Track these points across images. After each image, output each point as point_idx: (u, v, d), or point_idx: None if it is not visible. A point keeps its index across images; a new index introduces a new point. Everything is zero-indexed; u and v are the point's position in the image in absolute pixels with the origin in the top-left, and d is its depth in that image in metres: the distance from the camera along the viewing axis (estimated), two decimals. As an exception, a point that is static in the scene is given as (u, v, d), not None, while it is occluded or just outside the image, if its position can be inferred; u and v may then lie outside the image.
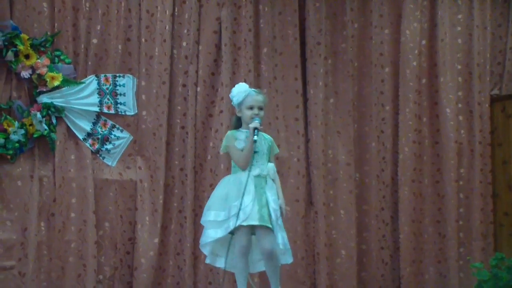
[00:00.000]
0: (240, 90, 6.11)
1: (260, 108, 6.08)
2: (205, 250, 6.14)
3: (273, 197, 6.01)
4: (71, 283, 7.06)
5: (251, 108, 6.06)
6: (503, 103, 8.18)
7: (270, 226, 5.89)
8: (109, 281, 7.26)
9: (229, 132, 6.13)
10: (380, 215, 7.95)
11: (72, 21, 7.32)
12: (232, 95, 6.13)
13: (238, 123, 6.15)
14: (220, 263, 6.11)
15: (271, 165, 6.09)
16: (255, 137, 5.92)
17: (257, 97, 6.10)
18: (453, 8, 8.24)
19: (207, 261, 6.22)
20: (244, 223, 5.85)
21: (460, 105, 8.16)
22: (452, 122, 8.08)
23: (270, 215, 5.94)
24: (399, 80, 8.09)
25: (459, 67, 8.21)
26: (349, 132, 7.92)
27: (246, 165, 6.00)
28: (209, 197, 7.21)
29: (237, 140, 6.05)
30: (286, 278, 7.24)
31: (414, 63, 8.10)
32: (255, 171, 6.00)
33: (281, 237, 5.94)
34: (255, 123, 5.96)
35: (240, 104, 6.09)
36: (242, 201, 5.88)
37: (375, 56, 8.08)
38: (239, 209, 5.86)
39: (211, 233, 6.00)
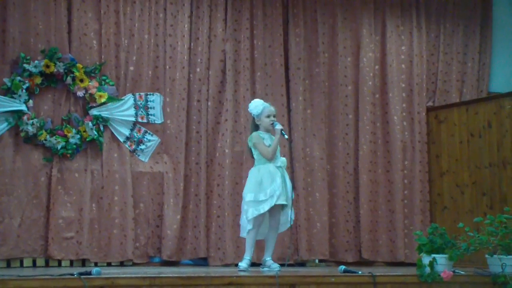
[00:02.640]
0: (258, 104, 6.24)
1: (274, 116, 6.25)
2: (250, 225, 6.11)
3: (289, 183, 6.19)
4: (115, 249, 7.08)
5: (268, 116, 6.22)
6: (435, 112, 8.18)
7: (289, 205, 6.12)
8: (144, 247, 7.25)
9: (255, 133, 6.22)
10: (346, 196, 7.93)
11: (115, 53, 7.34)
12: (251, 108, 6.25)
13: (255, 128, 6.28)
14: (245, 233, 6.19)
15: (284, 159, 6.26)
16: (286, 135, 6.18)
17: (271, 108, 6.26)
18: (398, 41, 8.25)
19: (242, 235, 6.29)
20: (278, 202, 6.02)
21: (404, 114, 8.15)
22: (398, 127, 8.09)
23: (289, 196, 6.14)
24: (358, 95, 8.07)
25: (403, 85, 8.20)
26: (322, 135, 7.90)
27: (273, 158, 6.14)
28: (218, 184, 7.43)
29: (264, 139, 6.18)
30: (276, 244, 6.90)
31: (370, 83, 8.10)
32: (277, 162, 6.17)
33: (292, 213, 6.19)
34: (280, 125, 6.17)
35: (259, 114, 6.22)
36: (274, 186, 6.03)
37: (341, 78, 8.04)
38: (274, 192, 6.01)
39: (259, 209, 6.03)
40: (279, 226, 6.25)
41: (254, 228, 6.10)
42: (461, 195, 7.80)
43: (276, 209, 6.12)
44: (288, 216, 6.22)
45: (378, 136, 8.12)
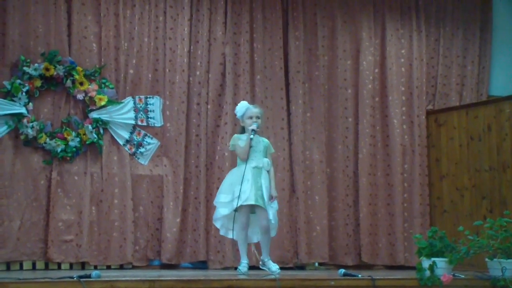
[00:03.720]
0: (242, 106, 6.29)
1: (258, 117, 6.23)
2: (217, 224, 6.32)
3: (266, 184, 6.12)
4: (115, 252, 7.06)
5: (250, 118, 6.23)
6: (435, 115, 8.19)
7: (263, 205, 6.04)
8: (143, 250, 7.24)
9: (235, 135, 6.32)
10: (345, 200, 7.91)
11: (114, 56, 7.32)
12: (236, 110, 6.33)
13: (242, 131, 6.31)
14: (230, 235, 6.22)
15: (266, 160, 6.22)
16: (252, 136, 6.11)
17: (254, 110, 6.27)
18: (398, 45, 8.26)
19: (221, 233, 6.38)
20: (244, 203, 6.01)
21: (404, 117, 8.14)
22: (398, 130, 8.08)
23: (263, 197, 6.08)
24: (358, 98, 8.06)
25: (403, 88, 8.19)
26: (322, 138, 7.89)
27: (245, 157, 6.13)
28: (218, 187, 7.39)
29: (240, 140, 6.21)
30: (275, 248, 7.19)
31: (370, 86, 8.10)
32: (252, 163, 6.14)
33: (272, 214, 6.11)
34: (253, 126, 6.15)
35: (242, 116, 6.26)
36: (242, 186, 6.02)
37: (341, 81, 8.04)
38: (240, 192, 6.00)
39: (221, 211, 6.18)
40: (268, 227, 6.18)
41: (237, 231, 6.13)
42: (461, 199, 7.79)
43: (258, 211, 6.11)
44: (266, 217, 6.12)
45: (378, 139, 8.11)
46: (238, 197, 6.01)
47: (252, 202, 6.04)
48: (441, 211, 8.00)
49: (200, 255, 7.37)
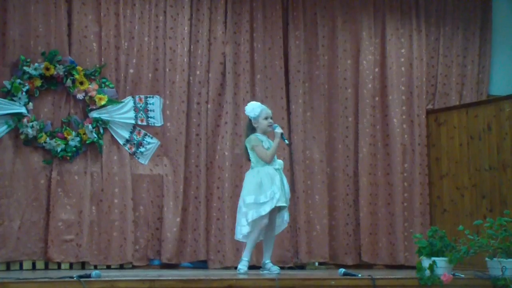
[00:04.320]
0: (255, 106, 6.25)
1: (271, 118, 6.25)
2: (249, 227, 6.09)
3: (287, 185, 6.19)
4: (115, 252, 7.05)
5: (266, 118, 6.22)
6: (435, 115, 8.19)
7: (287, 205, 6.14)
8: (143, 250, 7.23)
9: (253, 135, 6.20)
10: (346, 199, 7.91)
11: (115, 56, 7.32)
12: (249, 111, 6.26)
13: (251, 131, 6.27)
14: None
15: (281, 161, 6.26)
16: (287, 141, 6.22)
17: (268, 110, 6.27)
18: (398, 44, 8.26)
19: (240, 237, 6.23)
20: (278, 204, 6.00)
21: (404, 117, 8.15)
22: (398, 129, 8.09)
23: (288, 198, 6.15)
24: (358, 98, 8.07)
25: (403, 88, 8.20)
26: (322, 137, 7.89)
27: (272, 160, 6.14)
28: (218, 187, 7.43)
29: (263, 141, 6.17)
30: (276, 247, 7.06)
31: (370, 85, 8.10)
32: (276, 165, 6.16)
33: (287, 215, 6.20)
34: (280, 129, 6.17)
35: (257, 116, 6.21)
36: (273, 188, 6.00)
37: (341, 80, 8.05)
38: (274, 194, 5.98)
39: (260, 211, 6.00)
40: (275, 228, 6.24)
41: (253, 231, 6.08)
42: (461, 198, 7.79)
43: (274, 212, 6.11)
44: (283, 218, 6.23)
45: (378, 138, 8.12)
46: (274, 199, 5.99)
47: (284, 204, 6.09)
48: (441, 211, 8.00)
49: (200, 255, 7.37)
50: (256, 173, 6.13)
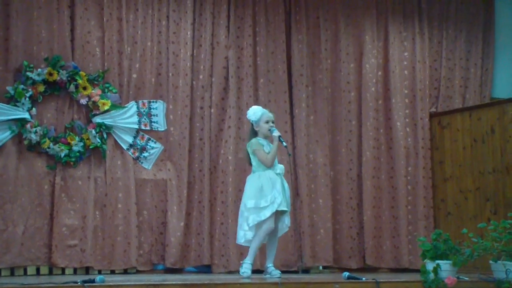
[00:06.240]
0: (256, 110, 6.27)
1: (273, 122, 6.25)
2: (252, 231, 6.11)
3: (288, 190, 6.18)
4: (119, 257, 7.03)
5: (267, 122, 6.22)
6: (439, 118, 8.20)
7: (288, 210, 6.12)
8: (147, 255, 7.22)
9: (254, 140, 6.22)
10: (349, 203, 7.91)
11: (118, 61, 7.31)
12: (250, 115, 6.27)
13: (253, 135, 6.28)
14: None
15: (282, 166, 6.26)
16: (285, 144, 6.17)
17: (269, 114, 6.28)
18: (401, 47, 8.28)
19: (242, 241, 6.22)
20: (279, 208, 6.00)
21: (407, 120, 8.16)
22: (401, 132, 8.09)
23: (289, 202, 6.16)
24: (361, 101, 8.08)
25: (406, 91, 8.21)
26: (325, 141, 7.89)
27: (272, 165, 6.15)
28: (222, 191, 7.42)
29: (264, 145, 6.18)
30: (280, 251, 7.07)
31: (373, 89, 8.11)
32: (277, 169, 6.17)
33: (288, 219, 6.21)
34: (278, 132, 6.17)
35: (258, 120, 6.23)
36: (274, 192, 6.01)
37: (344, 84, 8.05)
38: (275, 198, 5.99)
39: (260, 216, 6.00)
40: (277, 232, 6.23)
41: (258, 235, 6.08)
42: (465, 201, 7.79)
43: (276, 216, 6.11)
44: (283, 222, 6.23)
45: (381, 142, 8.12)
46: (275, 203, 6.00)
47: (285, 208, 6.08)
48: (445, 214, 8.00)
49: (204, 259, 7.36)
50: (257, 178, 6.14)
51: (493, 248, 5.67)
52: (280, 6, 7.95)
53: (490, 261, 5.74)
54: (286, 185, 6.20)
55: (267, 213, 6.00)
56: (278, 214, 6.11)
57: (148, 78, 7.44)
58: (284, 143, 6.23)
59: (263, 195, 6.03)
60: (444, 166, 8.07)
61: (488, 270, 5.84)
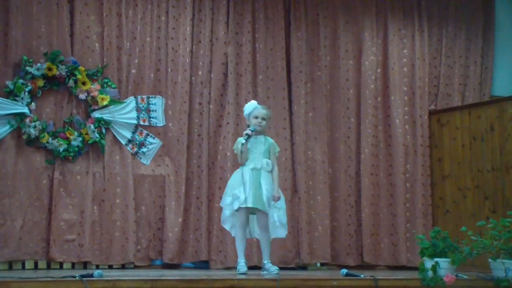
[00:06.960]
0: (249, 105, 6.29)
1: (263, 119, 6.23)
2: (227, 226, 6.38)
3: (266, 185, 6.13)
4: (117, 252, 7.05)
5: (256, 117, 6.22)
6: (438, 115, 8.19)
7: (262, 207, 6.06)
8: (145, 250, 7.23)
9: (239, 138, 6.27)
10: (347, 200, 7.90)
11: (117, 56, 7.32)
12: (244, 109, 6.34)
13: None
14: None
15: (266, 160, 6.21)
16: (243, 140, 6.11)
17: (262, 111, 6.27)
18: (400, 45, 8.26)
19: (232, 234, 6.38)
20: (243, 205, 6.04)
21: (406, 117, 8.14)
22: (400, 130, 8.07)
23: (263, 199, 6.08)
24: (360, 98, 8.06)
25: (405, 88, 8.19)
26: (324, 138, 7.88)
27: (242, 162, 6.17)
28: (220, 187, 7.44)
29: (243, 143, 6.18)
30: (278, 248, 7.18)
31: (372, 86, 8.10)
32: (250, 165, 6.15)
33: (276, 215, 6.13)
34: (247, 131, 6.17)
35: (249, 114, 6.26)
36: (241, 189, 6.05)
37: (343, 81, 8.04)
38: (239, 194, 6.04)
39: (226, 213, 6.24)
40: (268, 229, 6.21)
41: (233, 232, 6.27)
42: (464, 199, 7.78)
43: (259, 213, 6.13)
44: (273, 218, 6.17)
45: (380, 139, 8.10)
46: (237, 199, 6.06)
47: (250, 205, 6.07)
48: (443, 212, 7.99)
49: (202, 255, 7.36)
50: (233, 175, 6.32)
51: (492, 246, 5.65)
52: (280, 3, 7.93)
53: (489, 260, 5.73)
54: (263, 181, 6.15)
55: (227, 212, 6.24)
56: (259, 212, 6.13)
57: (147, 74, 7.44)
58: (243, 140, 6.13)
59: (230, 192, 6.18)
60: (443, 164, 8.06)
61: (487, 269, 5.83)
